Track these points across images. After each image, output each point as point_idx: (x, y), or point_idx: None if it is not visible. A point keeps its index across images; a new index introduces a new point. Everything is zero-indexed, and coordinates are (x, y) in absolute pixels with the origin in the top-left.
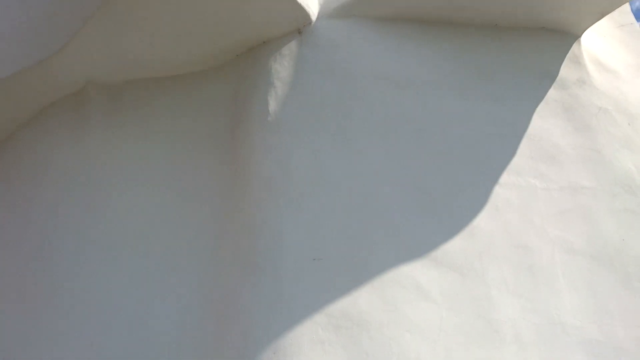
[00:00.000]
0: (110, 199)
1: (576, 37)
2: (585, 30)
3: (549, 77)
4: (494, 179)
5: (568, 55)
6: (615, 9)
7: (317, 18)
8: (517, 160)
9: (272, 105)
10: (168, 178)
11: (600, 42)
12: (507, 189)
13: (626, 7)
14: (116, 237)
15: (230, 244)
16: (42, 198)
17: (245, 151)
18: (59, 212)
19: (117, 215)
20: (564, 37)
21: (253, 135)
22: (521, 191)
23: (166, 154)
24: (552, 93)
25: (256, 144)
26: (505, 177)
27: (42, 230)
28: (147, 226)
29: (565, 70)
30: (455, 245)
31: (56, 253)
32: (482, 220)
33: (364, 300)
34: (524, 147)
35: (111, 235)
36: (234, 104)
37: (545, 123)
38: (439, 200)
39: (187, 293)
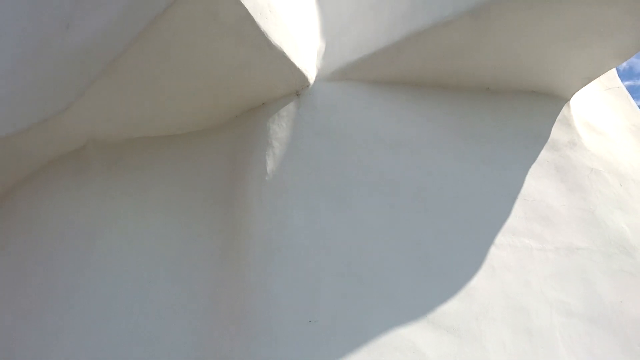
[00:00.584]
0: (107, 257)
1: (565, 100)
2: (574, 94)
3: (541, 138)
4: (489, 239)
5: (558, 118)
6: (601, 74)
7: (315, 81)
8: (512, 221)
9: (270, 165)
10: (165, 236)
11: (589, 105)
12: (503, 249)
13: (612, 70)
14: (111, 295)
15: (226, 304)
16: (38, 254)
17: (243, 211)
18: (55, 268)
19: (113, 273)
20: (554, 100)
21: (250, 195)
22: (517, 252)
23: (163, 212)
24: (545, 154)
25: (253, 204)
26: (500, 238)
27: (38, 285)
28: (143, 285)
29: (556, 132)
30: (452, 307)
31: (50, 309)
32: (479, 282)
33: None
34: (519, 208)
35: (106, 293)
36: (232, 163)
37: (538, 184)
38: (435, 260)
39: (181, 353)
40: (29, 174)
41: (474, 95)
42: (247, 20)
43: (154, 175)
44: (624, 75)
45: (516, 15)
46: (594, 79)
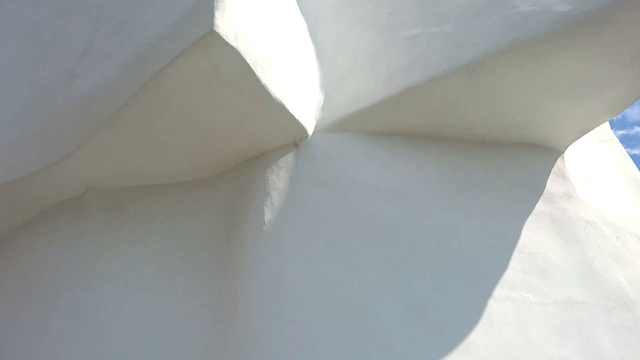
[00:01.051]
0: (101, 306)
1: (560, 152)
2: (568, 146)
3: (537, 190)
4: (487, 292)
5: (553, 170)
6: (594, 127)
7: (314, 132)
8: (510, 274)
9: (268, 215)
10: (161, 285)
11: (583, 157)
12: (501, 303)
13: (605, 123)
14: (105, 345)
15: (222, 355)
16: (32, 301)
17: (240, 261)
18: (50, 316)
19: (107, 323)
20: (548, 152)
21: (248, 245)
22: (515, 305)
23: (160, 262)
24: (540, 206)
25: (250, 254)
26: (499, 291)
27: (30, 333)
28: (138, 335)
29: (552, 184)
30: None
31: (43, 358)
32: (478, 336)
33: None
34: (516, 260)
35: (100, 343)
36: (230, 212)
37: (535, 236)
38: (432, 313)
39: None
40: (27, 221)
41: (469, 147)
42: (248, 73)
43: (152, 224)
44: (617, 125)
45: (509, 70)
46: (588, 132)
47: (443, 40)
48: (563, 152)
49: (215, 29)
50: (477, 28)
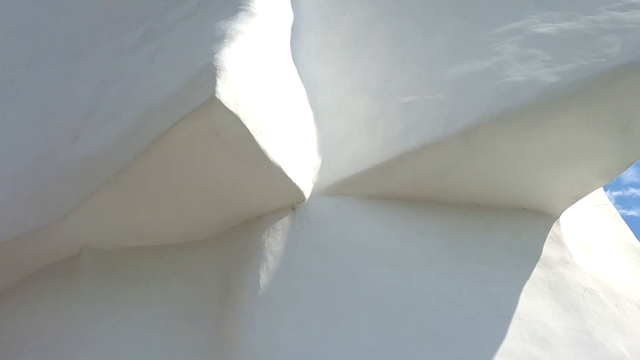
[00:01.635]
0: None
1: (555, 217)
2: (563, 211)
3: (533, 256)
4: None
5: (549, 235)
6: (588, 193)
7: (311, 195)
8: (509, 342)
9: (264, 279)
10: (152, 350)
11: (579, 222)
12: None
13: (600, 189)
14: None
15: None
16: None
17: (234, 326)
18: None
19: None
20: (543, 217)
21: (242, 310)
22: None
23: (152, 325)
24: (537, 272)
25: (245, 319)
26: None
27: None
28: None
29: (548, 250)
30: None
31: None
32: None
33: None
34: (514, 328)
35: None
36: (225, 275)
37: (533, 303)
38: None
39: None
40: (20, 281)
41: (465, 211)
42: (247, 138)
43: (146, 287)
44: (612, 186)
45: (502, 138)
46: (582, 197)
47: (437, 108)
48: (558, 217)
49: (217, 95)
50: (469, 96)
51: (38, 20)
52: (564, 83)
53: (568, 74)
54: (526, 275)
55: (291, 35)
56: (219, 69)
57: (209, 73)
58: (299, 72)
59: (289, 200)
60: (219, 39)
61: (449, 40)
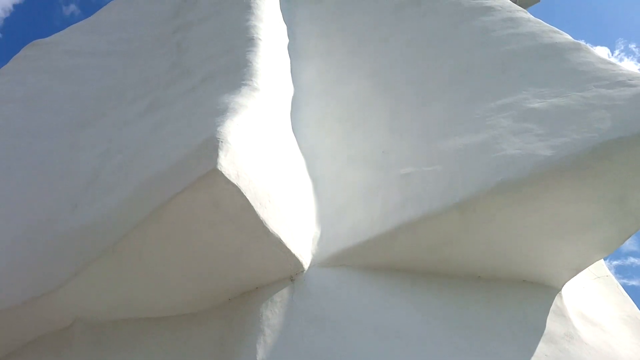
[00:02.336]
0: None
1: (557, 289)
2: (565, 284)
3: (537, 331)
4: None
5: (552, 308)
6: (588, 266)
7: (310, 266)
8: None
9: (260, 353)
10: None
11: (581, 294)
12: None
13: (600, 260)
14: None
15: None
16: None
17: None
18: None
19: None
20: (545, 289)
21: None
22: None
23: None
24: (542, 347)
25: None
26: None
27: None
28: None
29: (552, 324)
30: None
31: None
32: None
33: None
34: None
35: None
36: (221, 349)
37: None
38: None
39: None
40: (8, 354)
41: (466, 283)
42: (247, 209)
43: (139, 358)
44: (612, 255)
45: (499, 210)
46: (583, 269)
47: (435, 179)
48: (560, 290)
49: (219, 167)
50: (467, 168)
51: (46, 91)
52: (558, 156)
53: (562, 148)
54: (531, 351)
55: (291, 106)
56: (221, 141)
57: (212, 145)
58: (298, 143)
59: (288, 271)
60: (222, 112)
61: (446, 113)
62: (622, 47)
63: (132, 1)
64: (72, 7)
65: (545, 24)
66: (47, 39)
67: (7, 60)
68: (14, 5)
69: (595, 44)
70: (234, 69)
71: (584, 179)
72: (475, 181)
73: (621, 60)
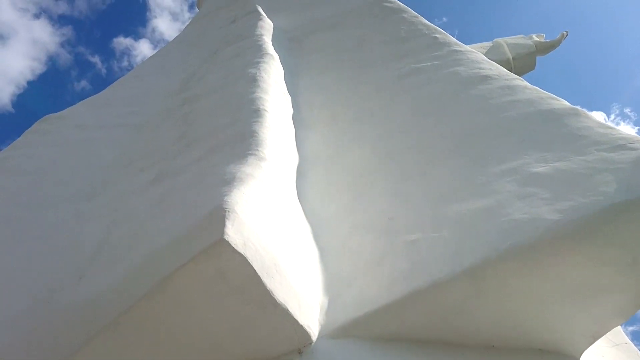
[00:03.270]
0: None
1: (575, 358)
2: (582, 352)
3: None
4: None
5: None
6: (605, 333)
7: (318, 338)
8: None
9: None
10: None
11: None
12: None
13: (618, 327)
14: None
15: None
16: None
17: None
18: None
19: None
20: (563, 358)
21: None
22: None
23: None
24: None
25: None
26: None
27: None
28: None
29: None
30: None
31: None
32: None
33: None
34: None
35: None
36: None
37: None
38: None
39: None
40: None
41: (479, 353)
42: (254, 279)
43: None
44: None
45: (510, 276)
46: (599, 337)
47: (442, 245)
48: (579, 359)
49: (226, 237)
50: (474, 234)
51: (55, 164)
52: (566, 220)
53: (569, 212)
54: None
55: (297, 175)
56: (229, 211)
57: (219, 215)
58: (304, 210)
59: (296, 343)
60: (229, 181)
61: (450, 179)
62: (618, 112)
63: (142, 76)
64: (84, 83)
65: (542, 90)
66: (58, 114)
67: (19, 135)
68: (28, 82)
69: (591, 109)
70: (240, 139)
71: (594, 243)
72: (483, 247)
73: (617, 124)
